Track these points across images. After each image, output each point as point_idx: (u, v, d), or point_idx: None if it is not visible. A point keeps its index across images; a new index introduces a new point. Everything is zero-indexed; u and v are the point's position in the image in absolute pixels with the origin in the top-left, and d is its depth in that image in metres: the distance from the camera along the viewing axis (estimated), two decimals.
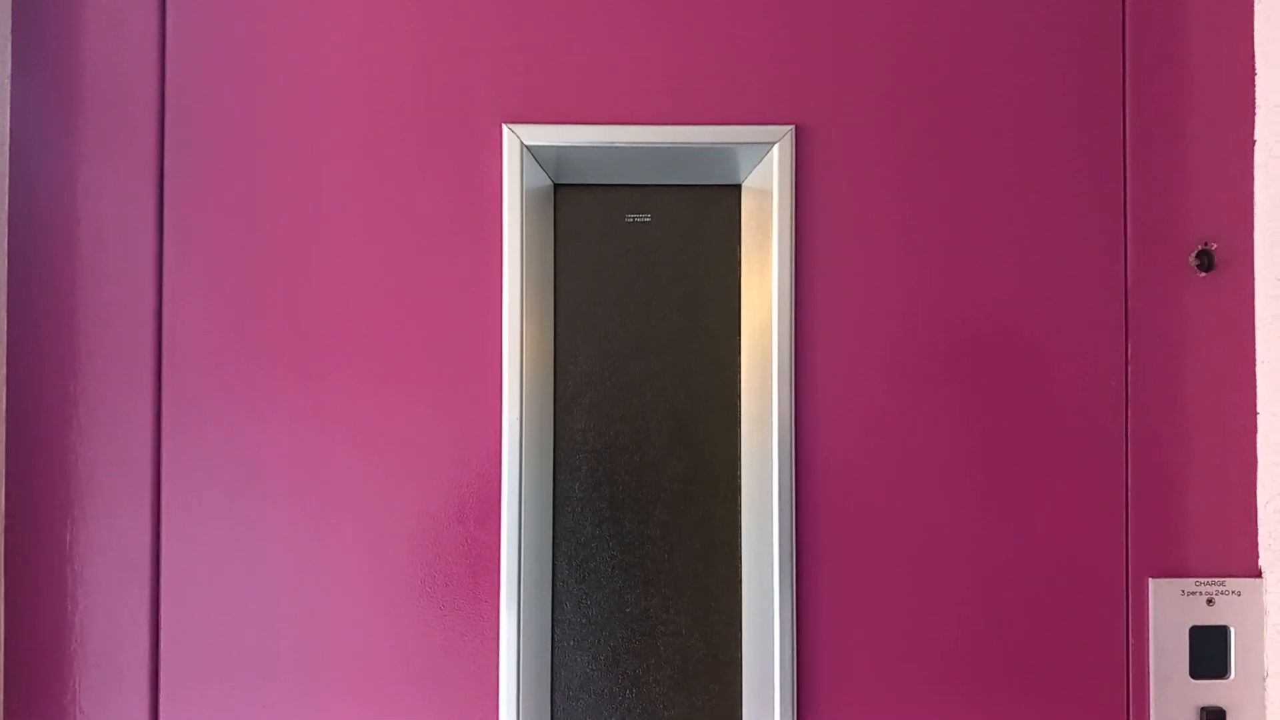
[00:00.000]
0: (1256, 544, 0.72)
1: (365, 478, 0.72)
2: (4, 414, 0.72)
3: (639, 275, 0.74)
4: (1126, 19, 0.74)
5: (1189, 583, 0.72)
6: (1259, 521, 0.72)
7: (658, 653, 0.72)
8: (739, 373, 0.73)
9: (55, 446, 0.72)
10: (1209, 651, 0.71)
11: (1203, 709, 0.71)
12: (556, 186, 0.74)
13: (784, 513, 0.71)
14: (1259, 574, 0.72)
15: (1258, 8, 0.74)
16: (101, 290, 0.72)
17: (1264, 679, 0.71)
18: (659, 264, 0.74)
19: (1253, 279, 0.74)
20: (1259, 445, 0.73)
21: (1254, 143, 0.74)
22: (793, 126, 0.73)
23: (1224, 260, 0.74)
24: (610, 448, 0.73)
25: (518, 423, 0.71)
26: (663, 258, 0.74)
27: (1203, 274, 0.74)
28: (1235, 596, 0.71)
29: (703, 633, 0.73)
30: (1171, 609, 0.71)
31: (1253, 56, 0.74)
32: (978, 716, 0.72)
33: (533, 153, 0.72)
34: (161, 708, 0.72)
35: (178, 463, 0.72)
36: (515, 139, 0.72)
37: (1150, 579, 0.72)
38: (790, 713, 0.71)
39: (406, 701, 0.72)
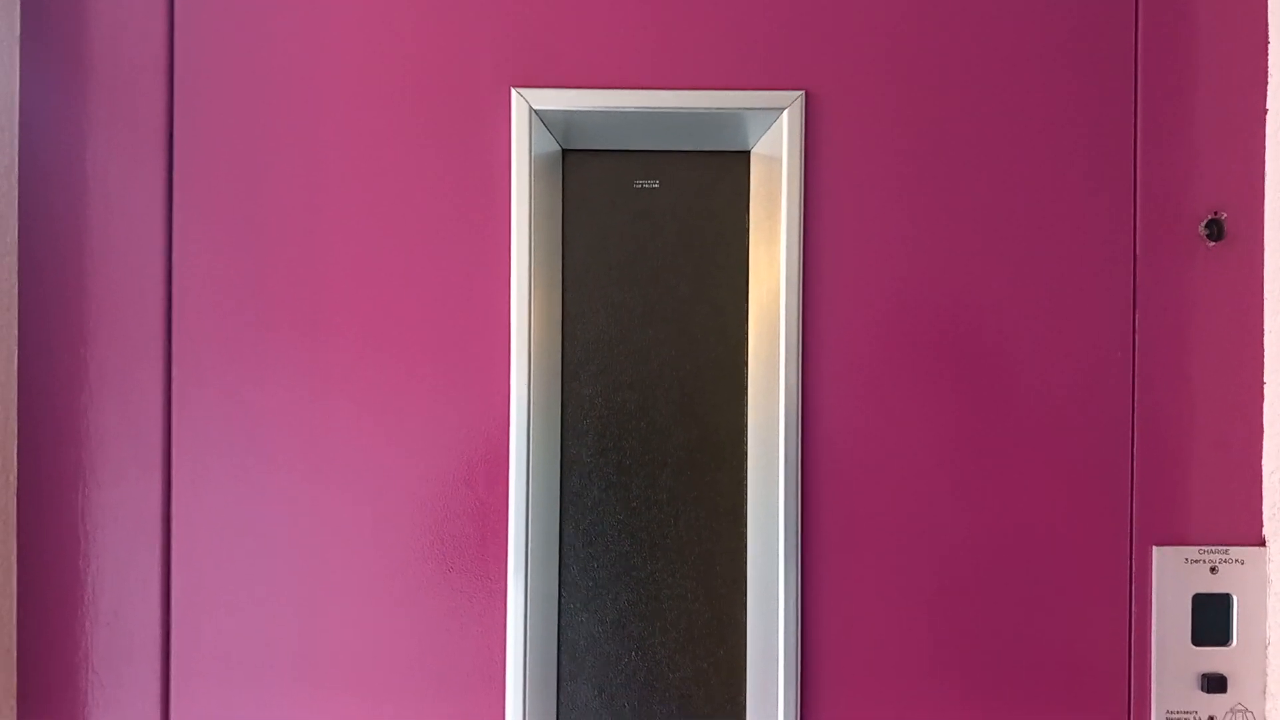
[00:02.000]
0: (1261, 513, 0.72)
1: (373, 442, 0.73)
2: (16, 383, 0.72)
3: (647, 241, 0.74)
4: None
5: (1192, 551, 0.72)
6: (1264, 490, 0.72)
7: (663, 616, 0.73)
8: (746, 340, 0.73)
9: (66, 412, 0.72)
10: (1211, 619, 0.72)
11: (1204, 676, 0.71)
12: (565, 152, 0.74)
13: (789, 479, 0.72)
14: (1263, 543, 0.72)
15: None
16: (111, 259, 0.72)
17: (1266, 647, 0.72)
18: (667, 230, 0.74)
19: (1262, 249, 0.74)
20: (1265, 414, 0.73)
21: (1265, 112, 0.73)
22: (802, 92, 0.73)
23: (1234, 230, 0.74)
24: (617, 414, 0.73)
25: (525, 388, 0.72)
26: (670, 224, 0.74)
27: (1212, 244, 0.74)
28: (1239, 565, 0.72)
29: (708, 597, 0.73)
30: (1174, 577, 0.72)
31: (1265, 25, 0.74)
32: (981, 680, 0.73)
33: (541, 117, 0.72)
34: (173, 666, 0.72)
35: (186, 429, 0.73)
36: (524, 103, 0.72)
37: (1154, 547, 0.72)
38: (794, 676, 0.71)
39: (412, 661, 0.72)
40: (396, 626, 0.72)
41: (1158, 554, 0.72)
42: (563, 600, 0.73)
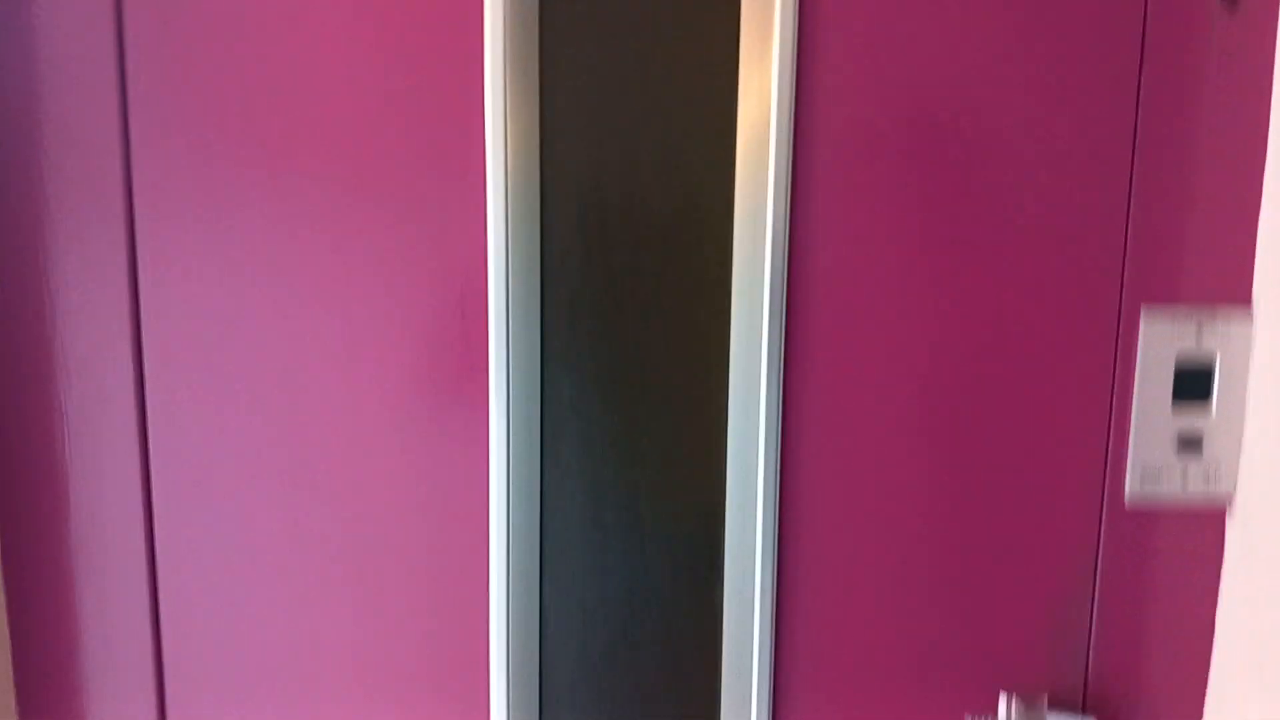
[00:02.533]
0: (1252, 274, 0.72)
1: (346, 259, 0.71)
2: None
3: (631, 53, 0.69)
4: None
5: (1180, 311, 0.71)
6: (1257, 251, 0.71)
7: (645, 379, 0.73)
8: (735, 112, 0.70)
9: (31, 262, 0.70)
10: (1194, 381, 0.72)
11: (1181, 436, 0.72)
12: None
13: (776, 253, 0.70)
14: (1250, 303, 0.72)
15: None
16: (64, 81, 0.69)
17: (1245, 407, 0.72)
18: (653, 38, 0.69)
19: (1277, 15, 0.70)
20: (1265, 175, 0.71)
21: None
22: None
23: None
24: (601, 217, 0.71)
25: (503, 166, 0.69)
26: (658, 30, 0.69)
27: (1226, 8, 0.70)
28: (1225, 326, 0.71)
29: (689, 362, 0.73)
30: (1161, 337, 0.71)
31: None
32: (955, 473, 0.74)
33: None
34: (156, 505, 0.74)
35: (153, 261, 0.71)
36: None
37: (1143, 305, 0.72)
38: (775, 417, 0.72)
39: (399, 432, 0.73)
40: (381, 430, 0.73)
41: (1145, 314, 0.71)
42: (545, 363, 0.73)
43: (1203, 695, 0.77)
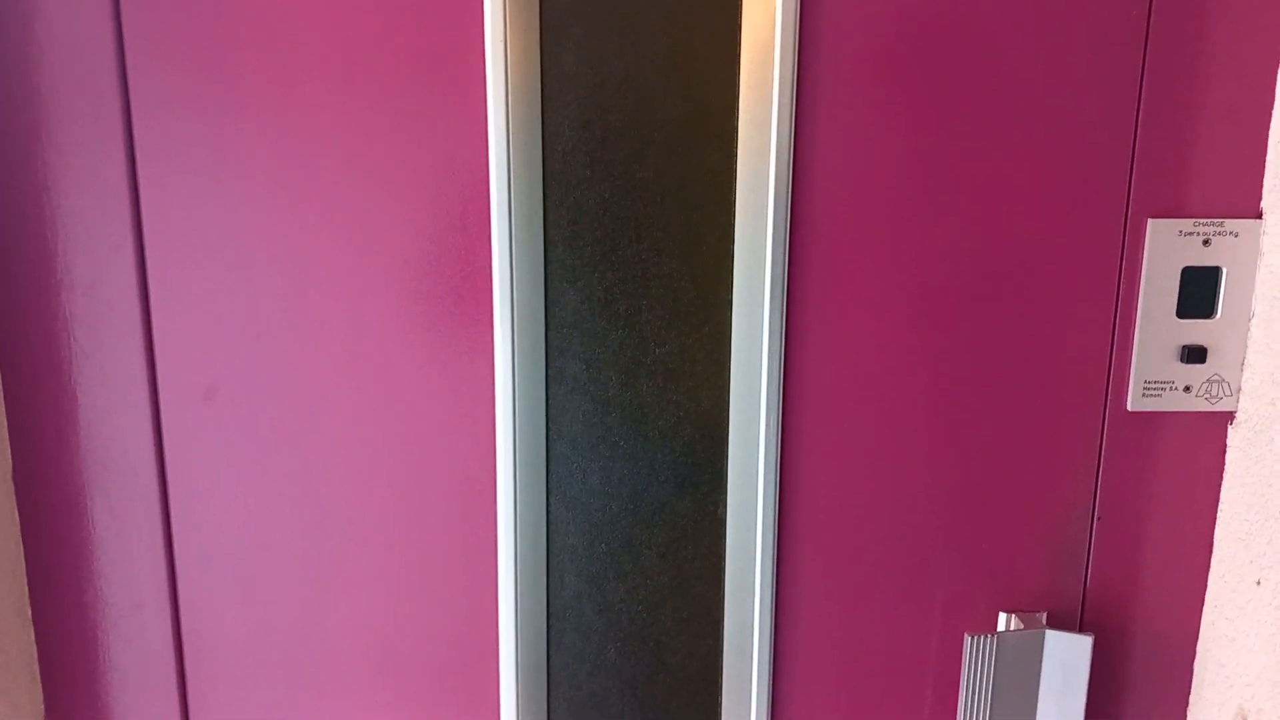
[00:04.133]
0: (1261, 185, 0.71)
1: (347, 171, 0.70)
2: None
3: None
4: None
5: (1187, 223, 0.71)
6: (1267, 160, 0.70)
7: (649, 294, 0.73)
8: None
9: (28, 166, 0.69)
10: (1199, 293, 0.72)
11: (1185, 347, 0.72)
12: None
13: (780, 158, 0.69)
14: (1259, 215, 0.71)
15: None
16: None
17: (1250, 319, 0.72)
18: None
19: None
20: (1277, 87, 0.70)
21: None
22: None
23: None
24: (601, 87, 0.70)
25: (503, 67, 0.68)
26: None
27: None
28: (1232, 238, 0.71)
29: (694, 276, 0.73)
30: (1167, 249, 0.71)
31: None
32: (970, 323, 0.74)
33: None
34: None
35: (153, 158, 0.70)
36: None
37: (1149, 219, 0.71)
38: (779, 329, 0.72)
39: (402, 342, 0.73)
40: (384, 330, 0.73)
41: (1152, 226, 0.71)
42: (549, 278, 0.72)
43: (1199, 610, 0.78)
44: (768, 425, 0.73)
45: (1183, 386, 0.73)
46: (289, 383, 0.74)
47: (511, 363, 0.72)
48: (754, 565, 0.76)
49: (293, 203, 0.71)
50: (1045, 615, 0.78)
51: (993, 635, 0.73)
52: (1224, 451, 0.75)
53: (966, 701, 0.74)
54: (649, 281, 0.73)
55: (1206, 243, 0.71)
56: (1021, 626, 0.76)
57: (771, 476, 0.74)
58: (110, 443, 0.74)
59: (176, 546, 0.76)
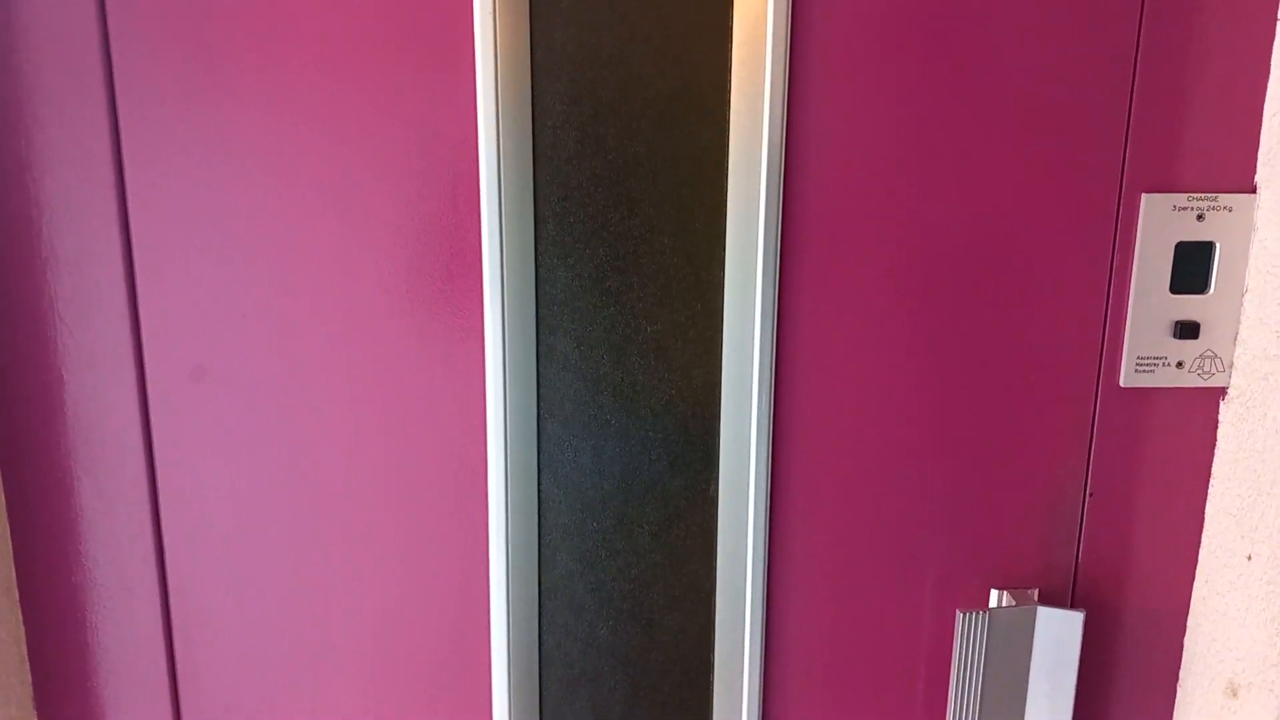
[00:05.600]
0: (1255, 159, 0.71)
1: (336, 146, 0.70)
2: None
3: None
4: None
5: (1181, 198, 0.70)
6: (1262, 134, 0.70)
7: (640, 271, 0.72)
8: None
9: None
10: (1193, 268, 0.71)
11: (1177, 323, 0.72)
12: None
13: (774, 133, 0.69)
14: (1254, 190, 0.71)
15: None
16: None
17: (1243, 295, 0.72)
18: None
19: None
20: (1271, 62, 0.69)
21: None
22: None
23: None
24: (592, 61, 0.69)
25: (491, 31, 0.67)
26: None
27: None
28: (1226, 212, 0.70)
29: (686, 253, 0.72)
30: (1161, 224, 0.71)
31: None
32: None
33: None
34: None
35: (139, 136, 0.69)
36: None
37: (1143, 194, 0.71)
38: (771, 306, 0.72)
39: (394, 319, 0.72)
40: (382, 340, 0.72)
41: (1146, 201, 0.71)
42: (539, 255, 0.72)
43: (1191, 585, 0.78)
44: (760, 403, 0.73)
45: (1175, 362, 0.73)
46: (278, 363, 0.73)
47: (502, 341, 0.72)
48: (746, 543, 0.76)
49: (280, 180, 0.70)
50: (1037, 592, 0.78)
51: (984, 612, 0.73)
52: (1216, 427, 0.75)
53: (958, 677, 0.74)
54: (640, 259, 0.72)
55: (1200, 218, 0.70)
56: (1013, 603, 0.77)
57: (763, 454, 0.74)
58: (98, 423, 0.74)
59: (165, 528, 0.76)
